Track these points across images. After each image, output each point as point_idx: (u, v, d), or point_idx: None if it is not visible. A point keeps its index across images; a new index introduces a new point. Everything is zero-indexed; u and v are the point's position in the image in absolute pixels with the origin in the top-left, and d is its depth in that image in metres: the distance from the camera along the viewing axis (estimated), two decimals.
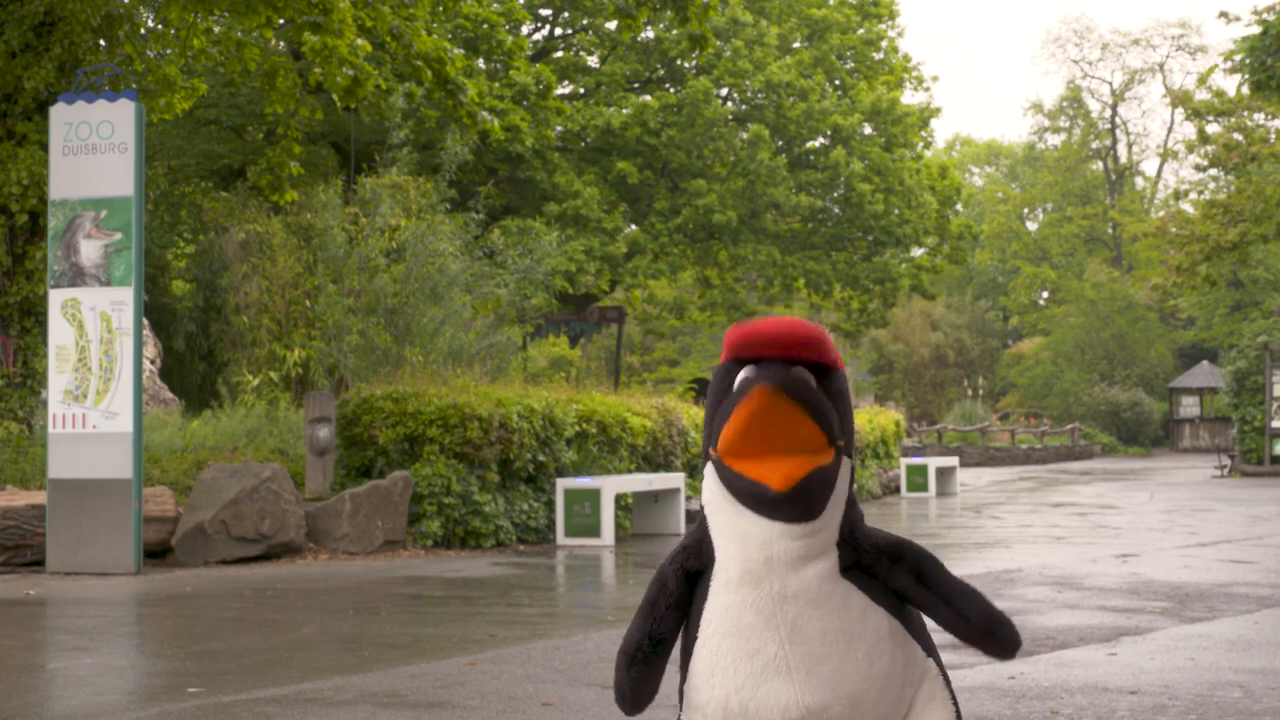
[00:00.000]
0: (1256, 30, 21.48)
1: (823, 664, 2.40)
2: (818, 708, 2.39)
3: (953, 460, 21.81)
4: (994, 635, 2.52)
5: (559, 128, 25.59)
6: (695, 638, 2.49)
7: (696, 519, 2.58)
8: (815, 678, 2.39)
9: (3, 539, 9.97)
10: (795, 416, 2.37)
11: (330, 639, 6.71)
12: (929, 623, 2.60)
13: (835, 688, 2.40)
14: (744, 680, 2.41)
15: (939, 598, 2.51)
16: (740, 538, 2.44)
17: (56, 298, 10.00)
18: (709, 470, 2.50)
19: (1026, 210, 62.70)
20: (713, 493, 2.49)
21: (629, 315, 33.71)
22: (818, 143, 28.68)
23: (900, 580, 2.50)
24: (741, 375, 2.44)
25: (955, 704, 2.55)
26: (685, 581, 2.54)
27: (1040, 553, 11.15)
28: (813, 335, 2.43)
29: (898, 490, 20.97)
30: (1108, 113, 62.79)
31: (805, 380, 2.38)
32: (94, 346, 9.88)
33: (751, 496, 2.40)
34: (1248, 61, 21.44)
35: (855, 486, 2.56)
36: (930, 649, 2.57)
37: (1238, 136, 32.20)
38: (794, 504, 2.38)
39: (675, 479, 13.56)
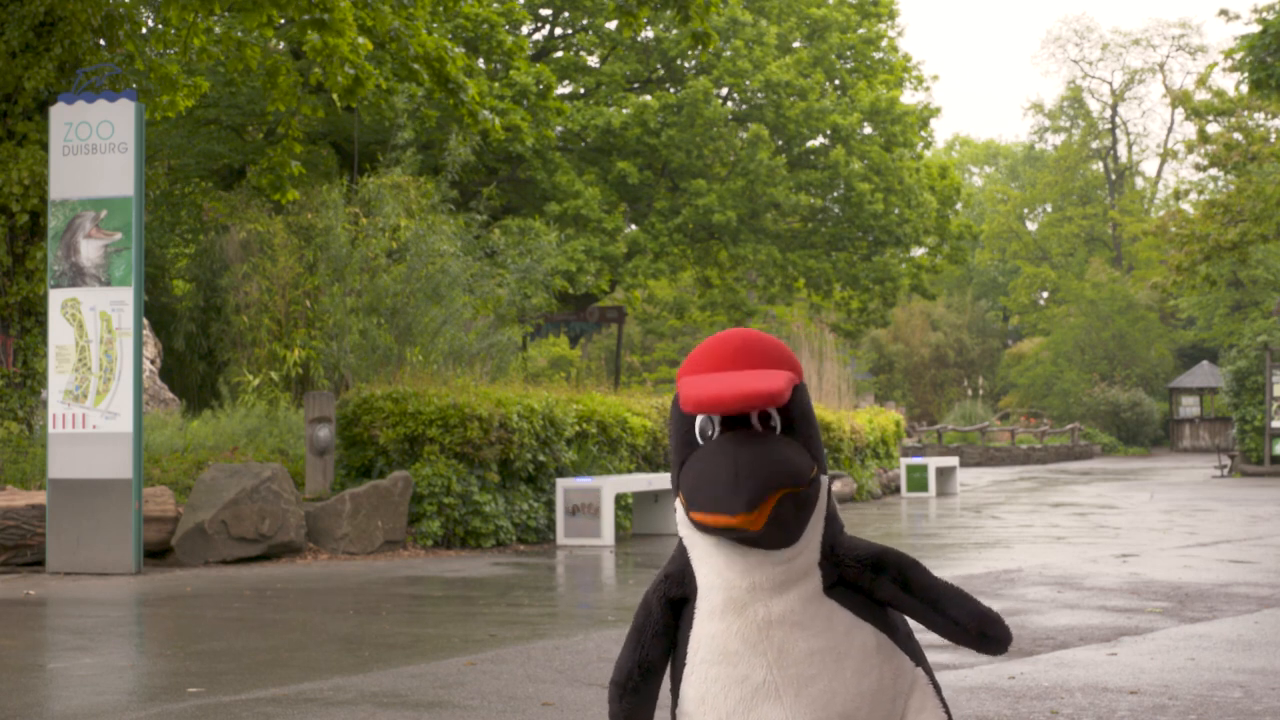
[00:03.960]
0: (1256, 29, 21.49)
1: (811, 685, 2.39)
2: None
3: (953, 460, 21.81)
4: (986, 635, 2.51)
5: (559, 128, 25.60)
6: (684, 665, 2.48)
7: (676, 546, 2.57)
8: (805, 699, 2.39)
9: (3, 539, 9.97)
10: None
11: (330, 639, 6.71)
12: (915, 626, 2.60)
13: (826, 707, 2.39)
14: (734, 706, 2.40)
15: (927, 604, 2.50)
16: (722, 566, 2.43)
17: (56, 298, 10.00)
18: (680, 504, 2.46)
19: (1026, 210, 62.69)
20: (689, 526, 2.47)
21: (629, 315, 33.74)
22: (817, 142, 28.71)
23: (885, 591, 2.48)
24: (701, 422, 2.41)
25: (946, 711, 2.55)
26: (669, 609, 2.53)
27: (1040, 553, 11.15)
28: (763, 391, 2.29)
29: (898, 490, 20.97)
30: (1108, 113, 62.83)
31: (769, 466, 2.31)
32: (94, 346, 9.88)
33: (728, 537, 2.39)
34: (1248, 60, 21.45)
35: (834, 498, 2.55)
36: (919, 657, 2.56)
37: (1238, 136, 32.22)
38: (770, 534, 2.36)
39: None
